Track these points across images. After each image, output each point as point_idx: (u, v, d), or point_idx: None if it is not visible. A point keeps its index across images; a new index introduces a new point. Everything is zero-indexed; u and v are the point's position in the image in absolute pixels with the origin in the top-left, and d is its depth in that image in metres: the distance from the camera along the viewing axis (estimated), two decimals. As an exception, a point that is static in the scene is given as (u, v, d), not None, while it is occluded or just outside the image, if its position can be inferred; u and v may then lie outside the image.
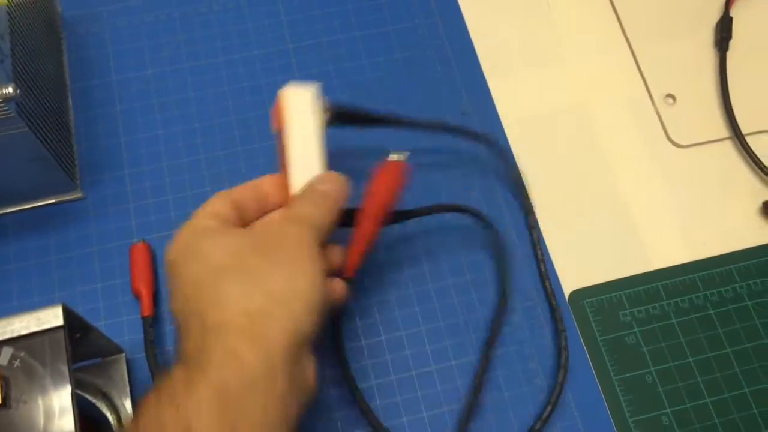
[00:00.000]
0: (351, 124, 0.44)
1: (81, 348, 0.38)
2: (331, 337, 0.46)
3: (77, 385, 0.34)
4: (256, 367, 0.30)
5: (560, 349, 0.46)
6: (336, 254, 0.40)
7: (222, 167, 0.51)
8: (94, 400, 0.42)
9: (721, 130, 0.54)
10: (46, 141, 0.43)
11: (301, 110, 0.40)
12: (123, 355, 0.44)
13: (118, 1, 0.56)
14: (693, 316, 0.48)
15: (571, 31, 0.58)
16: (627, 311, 0.48)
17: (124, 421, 0.42)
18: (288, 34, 0.56)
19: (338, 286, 0.39)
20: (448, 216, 0.49)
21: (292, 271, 0.33)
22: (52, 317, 0.34)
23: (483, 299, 0.48)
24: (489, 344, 0.46)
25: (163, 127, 0.52)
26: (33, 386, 0.33)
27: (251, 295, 0.32)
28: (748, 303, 0.48)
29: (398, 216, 0.43)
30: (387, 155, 0.42)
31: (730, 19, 0.57)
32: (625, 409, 0.45)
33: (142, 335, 0.45)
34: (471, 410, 0.44)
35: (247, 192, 0.38)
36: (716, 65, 0.56)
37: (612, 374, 0.46)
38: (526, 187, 0.51)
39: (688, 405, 0.45)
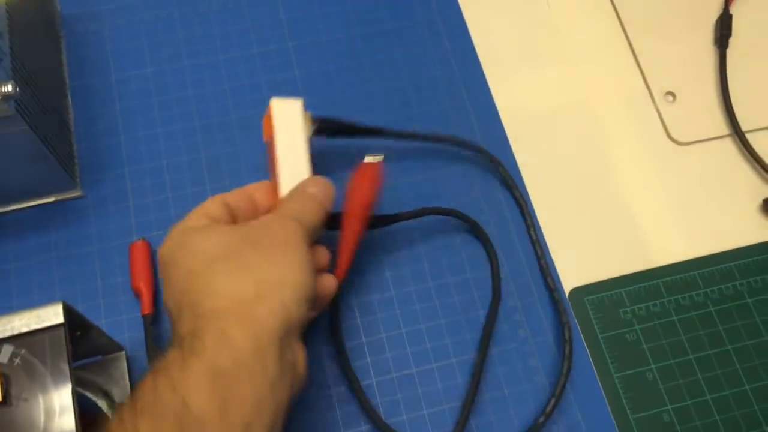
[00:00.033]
0: (337, 136, 0.46)
1: (81, 346, 0.38)
2: (328, 326, 0.46)
3: (78, 383, 0.34)
4: (247, 349, 0.31)
5: (564, 341, 0.46)
6: (323, 255, 0.41)
7: (222, 165, 0.51)
8: (94, 398, 0.41)
9: (722, 127, 0.54)
10: (45, 139, 0.43)
11: (288, 121, 0.43)
12: (123, 353, 0.44)
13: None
14: (693, 313, 0.48)
15: (571, 29, 0.58)
16: (627, 308, 0.48)
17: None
18: (287, 33, 0.56)
19: (328, 282, 0.41)
20: (449, 214, 0.49)
21: (281, 262, 0.35)
22: (53, 315, 0.34)
23: (483, 297, 0.48)
24: (483, 344, 0.46)
25: (162, 125, 0.52)
26: (33, 384, 0.33)
27: (242, 283, 0.33)
28: (749, 300, 0.48)
29: (386, 220, 0.45)
30: (363, 158, 0.44)
31: (730, 17, 0.57)
32: (626, 407, 0.45)
33: (142, 333, 0.45)
34: (468, 408, 0.44)
35: (239, 197, 0.40)
36: (716, 62, 0.56)
37: (613, 371, 0.46)
38: (525, 184, 0.51)
39: (688, 402, 0.45)
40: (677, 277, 0.49)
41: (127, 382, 0.43)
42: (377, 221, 0.44)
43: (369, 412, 0.43)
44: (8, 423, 0.32)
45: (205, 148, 0.51)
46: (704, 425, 0.45)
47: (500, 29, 0.57)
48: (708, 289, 0.48)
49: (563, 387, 0.44)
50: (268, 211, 0.41)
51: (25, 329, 0.33)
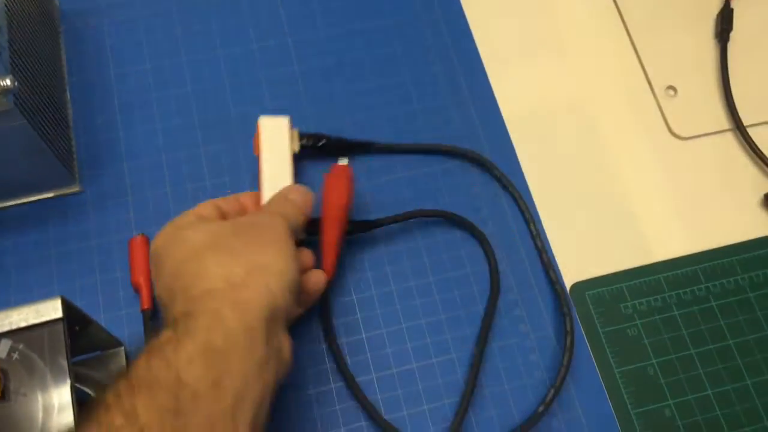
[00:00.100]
0: (325, 151, 0.49)
1: (80, 341, 0.37)
2: (321, 317, 0.46)
3: (76, 378, 0.34)
4: (237, 329, 0.32)
5: (565, 332, 0.46)
6: (307, 256, 0.44)
7: (221, 160, 0.51)
8: (93, 394, 0.41)
9: (723, 121, 0.54)
10: (44, 134, 0.43)
11: (274, 139, 0.47)
12: (122, 348, 0.43)
13: (117, -5, 0.56)
14: (695, 308, 0.48)
15: (571, 24, 0.57)
16: (629, 303, 0.48)
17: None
18: (287, 28, 0.56)
19: (316, 277, 0.43)
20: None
21: (268, 251, 0.37)
22: (51, 310, 0.34)
23: (483, 292, 0.47)
24: (482, 336, 0.45)
25: (161, 120, 0.52)
26: (32, 379, 0.33)
27: (231, 268, 0.35)
28: (750, 294, 0.48)
29: (366, 225, 0.47)
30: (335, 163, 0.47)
31: (731, 11, 0.56)
32: (627, 402, 0.45)
33: (141, 328, 0.45)
34: (467, 399, 0.44)
35: (229, 202, 0.43)
36: (717, 57, 0.56)
37: (614, 366, 0.46)
38: (525, 179, 0.51)
39: (690, 397, 0.45)
40: (678, 271, 0.49)
41: (127, 378, 0.43)
42: (357, 226, 0.47)
43: (367, 408, 0.43)
44: (7, 418, 0.32)
45: (204, 144, 0.51)
46: (705, 420, 0.45)
47: (501, 25, 0.57)
48: (709, 284, 0.48)
49: (564, 378, 0.44)
50: None
51: (23, 324, 0.33)
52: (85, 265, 0.47)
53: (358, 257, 0.48)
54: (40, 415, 0.32)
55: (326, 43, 0.55)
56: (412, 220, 0.48)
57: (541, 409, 0.43)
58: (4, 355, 0.33)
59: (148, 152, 0.51)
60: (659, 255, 0.49)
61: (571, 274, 0.48)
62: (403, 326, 0.46)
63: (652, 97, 0.55)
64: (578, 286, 0.48)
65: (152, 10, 0.55)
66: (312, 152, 0.49)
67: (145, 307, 0.45)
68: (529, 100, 0.54)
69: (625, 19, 0.57)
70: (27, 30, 0.44)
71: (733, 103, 0.53)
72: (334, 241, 0.45)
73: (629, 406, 0.45)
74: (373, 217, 0.48)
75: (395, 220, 0.47)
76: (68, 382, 0.33)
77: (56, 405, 0.33)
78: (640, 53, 0.56)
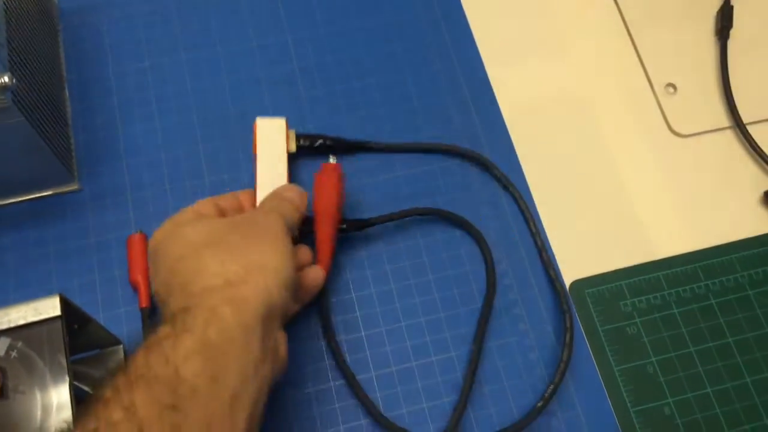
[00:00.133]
0: (321, 152, 0.49)
1: (79, 339, 0.37)
2: (320, 315, 0.46)
3: (75, 376, 0.34)
4: (234, 325, 0.32)
5: (564, 329, 0.46)
6: (304, 252, 0.44)
7: (219, 158, 0.50)
8: (92, 392, 0.41)
9: (722, 119, 0.54)
10: (42, 132, 0.43)
11: (270, 139, 0.47)
12: (121, 346, 0.43)
13: (115, -8, 0.56)
14: (694, 305, 0.48)
15: (571, 22, 0.57)
16: (628, 301, 0.48)
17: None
18: (286, 26, 0.55)
19: (314, 273, 0.44)
20: (448, 206, 0.49)
21: (265, 249, 0.37)
22: (50, 308, 0.34)
23: (482, 290, 0.47)
24: (478, 336, 0.45)
25: (160, 118, 0.52)
26: (31, 377, 0.33)
27: (229, 265, 0.35)
28: (750, 292, 0.48)
29: (361, 224, 0.47)
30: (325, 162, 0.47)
31: (731, 8, 0.56)
32: (627, 400, 0.45)
33: (140, 326, 0.45)
34: (465, 395, 0.44)
35: (228, 199, 0.43)
36: (717, 54, 0.56)
37: (613, 364, 0.46)
38: (525, 177, 0.51)
39: (689, 395, 0.45)
40: (678, 269, 0.49)
41: (125, 376, 0.43)
42: (352, 225, 0.47)
43: (367, 406, 0.43)
44: (5, 416, 0.32)
45: (203, 141, 0.51)
46: (705, 418, 0.45)
47: (500, 22, 0.57)
48: (709, 282, 0.48)
49: (563, 373, 0.44)
50: None
51: (22, 322, 0.33)
52: (83, 263, 0.47)
53: (358, 255, 0.48)
54: (39, 413, 0.32)
55: (326, 41, 0.55)
56: (410, 219, 0.48)
57: (539, 404, 0.43)
58: (2, 353, 0.33)
59: (147, 150, 0.50)
60: (659, 253, 0.49)
61: (570, 272, 0.48)
62: (403, 324, 0.46)
63: (651, 94, 0.55)
64: (578, 284, 0.48)
65: (151, 8, 0.55)
66: (309, 152, 0.49)
67: (144, 305, 0.45)
68: (529, 98, 0.54)
69: (625, 16, 0.57)
70: (26, 27, 0.44)
71: (733, 100, 0.53)
72: (328, 238, 0.45)
73: (628, 405, 0.45)
74: (371, 215, 0.48)
75: (391, 218, 0.47)
76: (67, 380, 0.33)
77: (55, 403, 0.33)
78: (640, 51, 0.56)
